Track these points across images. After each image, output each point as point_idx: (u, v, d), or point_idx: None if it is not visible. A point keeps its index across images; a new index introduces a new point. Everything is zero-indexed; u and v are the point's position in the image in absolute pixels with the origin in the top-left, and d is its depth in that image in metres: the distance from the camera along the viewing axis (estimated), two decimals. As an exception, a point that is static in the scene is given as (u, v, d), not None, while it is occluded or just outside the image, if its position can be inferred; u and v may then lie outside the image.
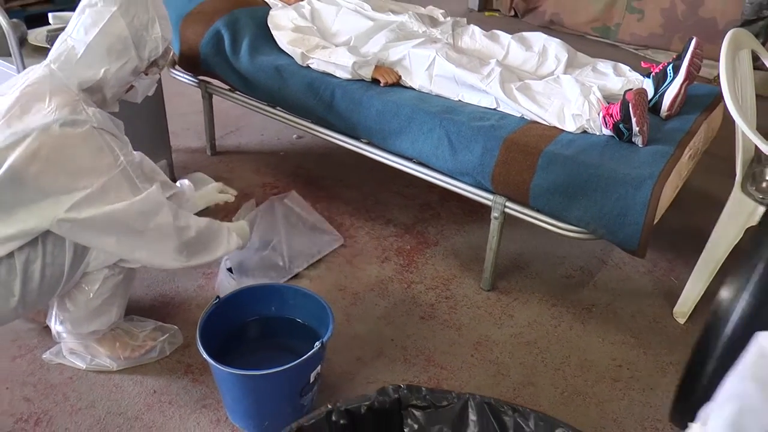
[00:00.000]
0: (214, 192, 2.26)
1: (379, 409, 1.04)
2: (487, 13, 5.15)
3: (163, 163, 2.80)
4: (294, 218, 2.44)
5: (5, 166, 1.53)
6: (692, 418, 0.92)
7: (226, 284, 2.20)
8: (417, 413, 1.03)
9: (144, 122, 2.61)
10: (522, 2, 5.01)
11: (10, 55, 2.23)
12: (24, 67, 2.18)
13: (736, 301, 1.21)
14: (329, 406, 1.03)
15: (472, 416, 1.02)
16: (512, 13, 5.09)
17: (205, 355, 1.61)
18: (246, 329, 1.88)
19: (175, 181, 2.77)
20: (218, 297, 1.80)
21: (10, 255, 1.60)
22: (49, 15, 2.51)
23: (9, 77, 2.18)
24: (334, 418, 1.00)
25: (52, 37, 2.29)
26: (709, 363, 1.25)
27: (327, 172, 3.03)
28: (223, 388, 1.73)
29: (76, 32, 1.70)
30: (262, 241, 2.29)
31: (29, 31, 2.47)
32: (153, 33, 1.77)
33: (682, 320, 2.28)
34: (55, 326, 1.90)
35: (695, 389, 1.24)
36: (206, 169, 2.93)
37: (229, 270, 2.21)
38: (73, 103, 1.63)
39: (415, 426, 1.03)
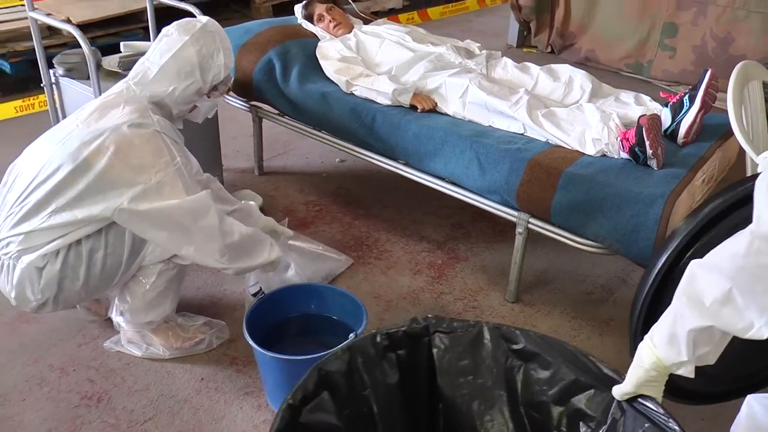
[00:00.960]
0: (275, 223, 2.45)
1: (411, 333, 1.29)
2: (525, 50, 5.36)
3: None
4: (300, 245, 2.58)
5: (80, 158, 1.81)
6: None
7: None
8: (442, 337, 1.25)
9: (199, 143, 2.86)
10: (559, 39, 5.21)
11: (88, 78, 2.51)
12: (100, 89, 2.46)
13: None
14: (374, 331, 1.24)
15: (486, 336, 1.23)
16: (549, 49, 5.29)
17: (250, 341, 1.82)
18: (287, 324, 2.09)
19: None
20: (263, 292, 2.01)
21: (78, 242, 1.85)
22: (121, 44, 2.80)
23: (87, 98, 2.47)
24: (377, 339, 1.23)
25: (123, 63, 2.57)
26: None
27: (367, 192, 3.25)
28: (266, 374, 1.93)
29: (153, 56, 2.01)
30: (282, 264, 2.34)
31: (103, 58, 2.75)
32: (217, 61, 2.05)
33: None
34: (116, 317, 2.14)
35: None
36: (254, 187, 3.16)
37: (254, 296, 2.24)
38: (142, 110, 1.93)
39: (441, 346, 1.26)
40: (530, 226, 2.37)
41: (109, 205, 1.83)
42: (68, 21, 3.60)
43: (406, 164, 2.70)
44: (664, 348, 1.12)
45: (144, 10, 4.55)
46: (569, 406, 1.18)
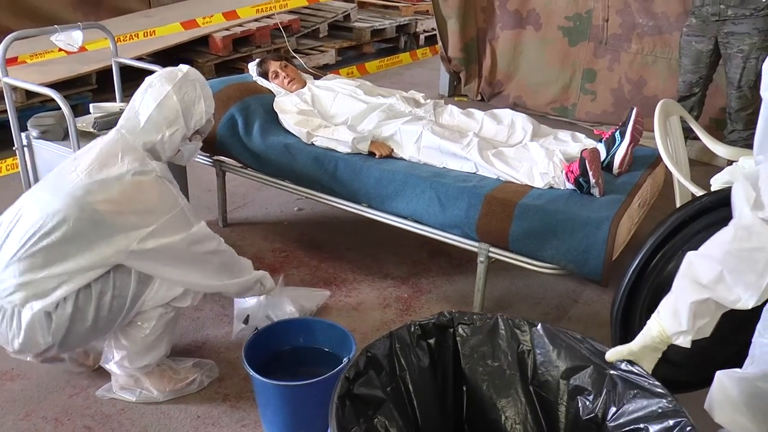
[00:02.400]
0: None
1: (439, 324, 1.53)
2: (457, 98, 5.70)
3: (184, 232, 3.16)
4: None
5: (89, 207, 1.96)
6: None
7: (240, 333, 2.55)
8: (465, 327, 1.48)
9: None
10: (488, 87, 5.58)
11: (63, 139, 2.63)
12: (79, 149, 2.58)
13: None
14: (408, 322, 1.48)
15: (501, 326, 1.47)
16: (479, 97, 5.65)
17: (250, 371, 1.96)
18: (279, 358, 2.22)
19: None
20: (257, 328, 2.15)
21: (88, 286, 1.97)
22: (90, 105, 2.93)
23: (62, 159, 2.59)
24: (412, 329, 1.47)
25: (99, 124, 2.70)
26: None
27: (328, 237, 3.42)
28: (264, 403, 2.06)
29: (141, 106, 2.19)
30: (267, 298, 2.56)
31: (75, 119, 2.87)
32: (198, 107, 2.28)
33: (644, 344, 2.67)
34: (109, 364, 2.23)
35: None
36: (220, 238, 3.29)
37: (244, 323, 2.54)
38: (141, 158, 2.12)
39: (464, 335, 1.51)
40: (491, 254, 2.60)
41: (119, 249, 1.98)
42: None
43: (369, 206, 2.89)
44: (669, 319, 1.36)
45: (91, 73, 4.70)
46: (570, 383, 1.40)
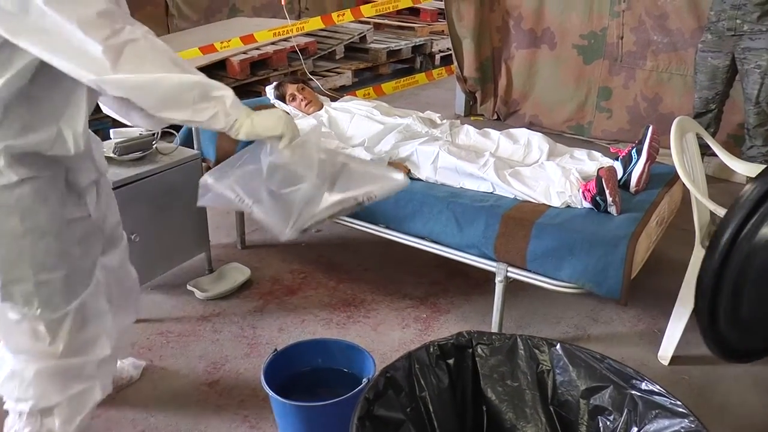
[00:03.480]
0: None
1: (458, 344, 1.55)
2: (473, 118, 5.72)
3: (203, 255, 3.20)
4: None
5: None
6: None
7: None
8: (484, 348, 1.51)
9: (188, 220, 3.03)
10: (503, 107, 5.60)
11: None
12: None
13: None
14: (427, 343, 1.50)
15: (520, 346, 1.48)
16: (495, 116, 5.66)
17: (269, 392, 1.97)
18: (298, 379, 2.23)
19: (212, 272, 3.18)
20: (276, 349, 2.16)
21: None
22: (111, 131, 2.97)
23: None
24: (431, 350, 1.48)
25: (120, 149, 2.74)
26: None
27: (345, 258, 3.44)
28: (283, 423, 2.07)
29: None
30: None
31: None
32: None
33: (665, 363, 2.64)
34: None
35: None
36: (239, 261, 3.31)
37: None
38: None
39: (483, 355, 1.53)
40: (509, 274, 2.60)
41: None
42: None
43: (387, 227, 2.90)
44: None
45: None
46: (590, 403, 1.40)
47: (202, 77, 1.46)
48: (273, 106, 3.54)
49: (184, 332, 2.77)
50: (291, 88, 3.55)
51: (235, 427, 2.28)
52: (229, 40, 5.40)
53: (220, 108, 1.46)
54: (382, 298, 3.07)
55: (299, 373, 2.23)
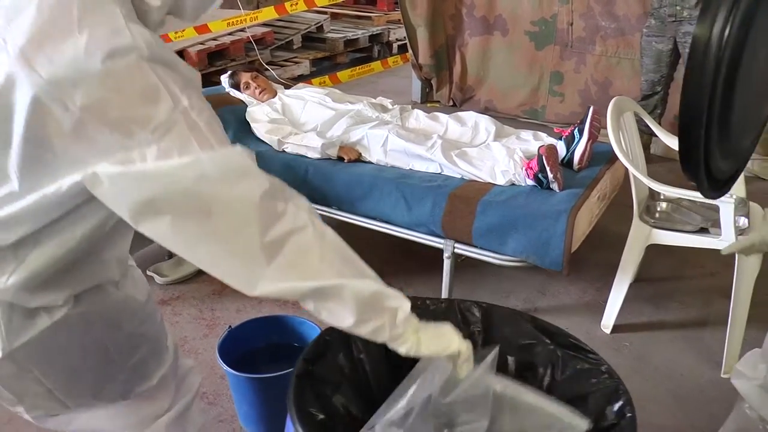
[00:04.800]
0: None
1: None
2: (429, 104, 5.81)
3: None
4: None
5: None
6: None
7: None
8: (419, 311, 1.50)
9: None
10: (459, 93, 5.70)
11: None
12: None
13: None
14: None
15: (453, 310, 1.57)
16: (451, 103, 5.76)
17: (223, 366, 2.04)
18: (253, 355, 2.30)
19: (171, 257, 3.22)
20: (230, 326, 2.23)
21: None
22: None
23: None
24: None
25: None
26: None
27: (302, 241, 3.51)
28: (239, 397, 2.14)
29: None
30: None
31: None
32: None
33: (607, 331, 2.77)
34: None
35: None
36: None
37: None
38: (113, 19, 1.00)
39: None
40: (456, 250, 2.70)
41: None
42: None
43: (339, 209, 2.98)
44: None
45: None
46: (518, 360, 1.50)
47: (378, 285, 1.15)
48: (227, 94, 3.60)
49: (142, 316, 2.82)
50: (245, 77, 3.60)
51: (193, 404, 2.34)
52: (183, 30, 5.42)
53: (388, 321, 1.16)
54: (337, 278, 3.15)
55: (254, 349, 2.30)
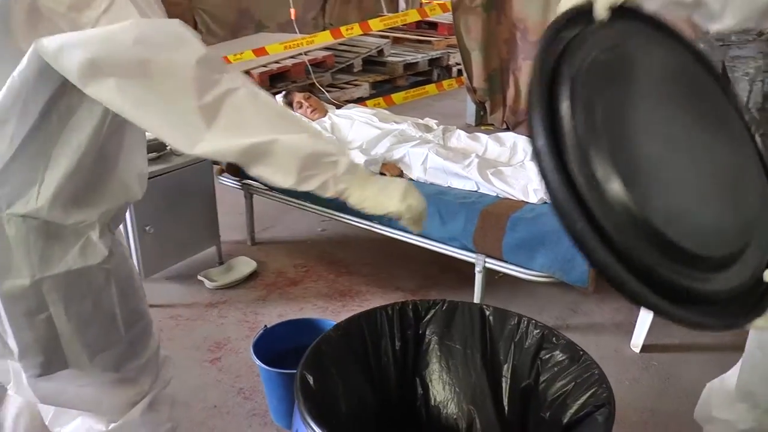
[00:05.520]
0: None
1: (403, 308, 1.79)
2: (483, 127, 5.91)
3: (214, 249, 3.46)
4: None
5: None
6: None
7: None
8: (429, 310, 1.74)
9: (200, 216, 3.30)
10: (512, 116, 5.80)
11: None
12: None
13: None
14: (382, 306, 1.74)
15: (459, 312, 1.75)
16: (504, 126, 5.86)
17: (256, 360, 2.21)
18: (287, 355, 2.46)
19: (222, 264, 3.43)
20: (266, 326, 2.40)
21: None
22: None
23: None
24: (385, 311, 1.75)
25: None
26: None
27: (347, 254, 3.67)
28: (270, 392, 2.30)
29: None
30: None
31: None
32: None
33: (637, 350, 2.82)
34: None
35: None
36: (248, 255, 3.57)
37: None
38: None
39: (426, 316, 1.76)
40: (487, 264, 2.81)
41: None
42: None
43: (379, 223, 3.13)
44: None
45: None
46: (512, 358, 1.63)
47: (315, 140, 1.20)
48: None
49: (192, 316, 3.03)
50: (298, 96, 3.82)
51: (230, 398, 2.52)
52: (242, 53, 5.70)
53: (331, 176, 1.20)
54: (376, 290, 3.29)
55: (287, 348, 2.45)
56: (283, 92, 3.99)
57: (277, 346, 2.43)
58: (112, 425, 1.62)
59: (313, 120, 3.69)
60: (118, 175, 1.40)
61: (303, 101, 3.79)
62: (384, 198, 1.26)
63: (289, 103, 3.84)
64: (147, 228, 2.99)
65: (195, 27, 7.30)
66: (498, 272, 2.86)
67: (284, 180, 1.18)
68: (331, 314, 3.06)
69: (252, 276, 3.38)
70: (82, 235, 1.37)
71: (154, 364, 1.67)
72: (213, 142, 1.14)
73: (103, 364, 1.51)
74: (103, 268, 1.42)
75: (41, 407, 1.66)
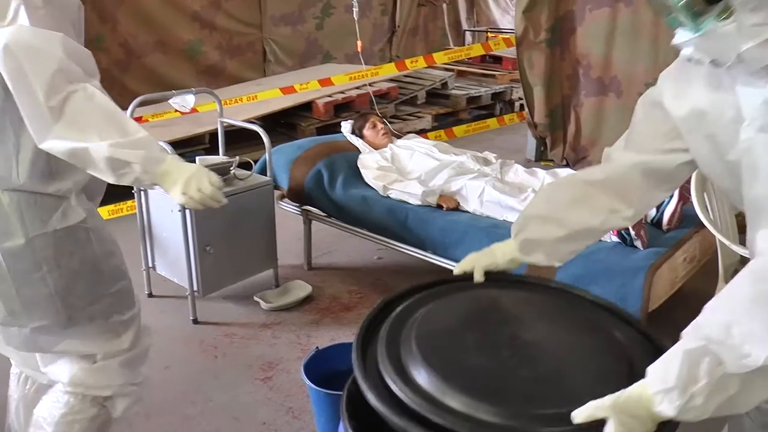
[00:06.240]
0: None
1: None
2: (543, 163, 5.91)
3: (271, 272, 3.56)
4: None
5: None
6: None
7: None
8: None
9: (259, 240, 3.40)
10: (572, 153, 5.78)
11: (172, 185, 3.09)
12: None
13: None
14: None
15: None
16: (564, 162, 5.83)
17: (306, 380, 2.27)
18: (337, 376, 2.51)
19: (278, 286, 3.52)
20: (317, 347, 2.46)
21: None
22: (196, 158, 3.39)
23: (168, 202, 3.03)
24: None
25: (202, 173, 3.15)
26: None
27: (401, 282, 3.69)
28: (318, 411, 2.35)
29: None
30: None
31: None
32: None
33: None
34: None
35: None
36: (304, 279, 3.65)
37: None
38: None
39: None
40: (539, 299, 2.81)
41: None
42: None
43: (434, 253, 3.18)
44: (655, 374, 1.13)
45: (204, 134, 5.31)
46: None
47: (113, 149, 1.47)
48: (343, 141, 3.93)
49: (246, 336, 3.12)
50: (374, 118, 4.05)
51: (280, 416, 2.58)
52: (308, 83, 5.87)
53: (139, 172, 1.50)
54: (428, 319, 3.32)
55: (337, 371, 2.50)
56: (354, 117, 4.15)
57: (328, 368, 2.49)
58: (94, 364, 1.89)
59: (381, 143, 3.83)
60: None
61: (378, 123, 3.96)
62: (172, 192, 1.56)
63: (361, 126, 3.96)
64: (207, 248, 3.10)
65: (264, 56, 7.55)
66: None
67: (107, 178, 1.52)
68: (382, 341, 3.10)
69: (307, 299, 3.45)
70: (62, 200, 1.70)
71: (136, 324, 1.94)
72: (53, 142, 1.47)
73: (94, 315, 1.81)
74: (83, 227, 1.74)
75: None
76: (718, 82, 1.30)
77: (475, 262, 1.79)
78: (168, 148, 2.84)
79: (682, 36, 1.23)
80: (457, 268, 1.79)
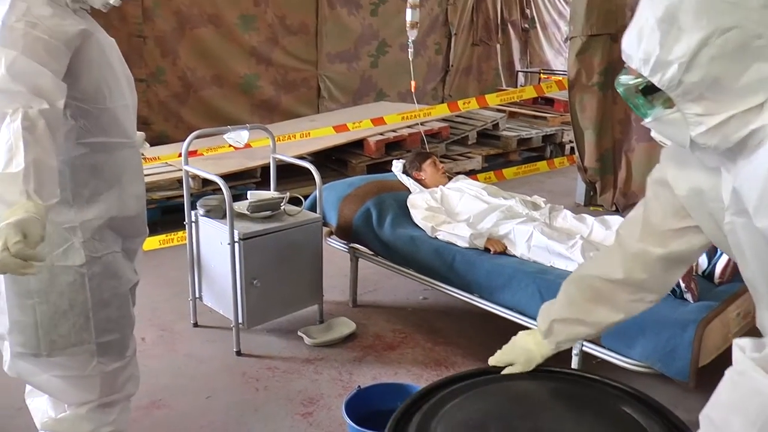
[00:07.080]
0: None
1: None
2: (592, 208, 5.86)
3: (316, 307, 3.59)
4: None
5: None
6: None
7: None
8: None
9: (305, 276, 3.44)
10: (622, 198, 5.71)
11: (223, 218, 3.16)
12: (233, 226, 3.07)
13: None
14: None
15: None
16: (614, 208, 5.77)
17: (347, 419, 2.28)
18: (378, 416, 2.51)
19: (322, 322, 3.54)
20: (359, 386, 2.47)
21: None
22: (248, 193, 3.47)
23: (220, 233, 3.10)
24: None
25: (252, 207, 3.21)
26: None
27: (445, 324, 3.71)
28: (360, 454, 2.35)
29: None
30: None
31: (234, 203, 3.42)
32: None
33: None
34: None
35: None
36: (348, 316, 3.67)
37: None
38: None
39: None
40: (584, 348, 2.78)
41: None
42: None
43: (480, 296, 3.17)
44: None
45: (256, 168, 5.41)
46: None
47: None
48: (393, 181, 3.97)
49: (289, 369, 3.15)
50: (435, 157, 4.09)
51: (321, 455, 2.59)
52: (361, 121, 5.95)
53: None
54: (472, 362, 3.30)
55: (379, 410, 2.50)
56: (411, 155, 4.20)
57: (369, 407, 2.49)
58: (61, 414, 1.95)
59: (440, 182, 3.91)
60: (117, 191, 1.86)
61: (438, 163, 4.05)
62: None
63: (415, 167, 4.01)
64: (254, 282, 3.16)
65: (318, 92, 7.70)
66: (596, 357, 2.82)
67: None
68: (425, 382, 3.09)
69: (350, 337, 3.47)
70: (67, 239, 1.76)
71: (120, 375, 1.97)
72: None
73: (72, 360, 1.85)
74: (80, 271, 1.78)
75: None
76: (707, 160, 1.32)
77: (512, 360, 1.91)
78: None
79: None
80: (492, 359, 1.92)
